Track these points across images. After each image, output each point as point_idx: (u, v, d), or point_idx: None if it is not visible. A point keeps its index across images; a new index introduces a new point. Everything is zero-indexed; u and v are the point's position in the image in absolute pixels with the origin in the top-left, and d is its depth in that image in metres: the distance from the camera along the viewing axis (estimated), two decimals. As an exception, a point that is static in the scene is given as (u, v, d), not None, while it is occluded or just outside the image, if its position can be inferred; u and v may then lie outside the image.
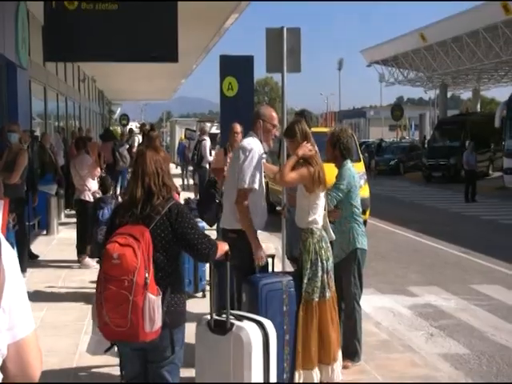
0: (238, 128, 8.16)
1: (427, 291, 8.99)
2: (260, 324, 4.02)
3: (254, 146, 5.07)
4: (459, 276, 10.04)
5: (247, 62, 11.61)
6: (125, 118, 43.49)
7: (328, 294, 5.02)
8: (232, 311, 4.09)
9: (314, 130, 6.42)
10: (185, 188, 21.01)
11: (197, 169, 16.71)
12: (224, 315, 4.03)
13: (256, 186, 5.01)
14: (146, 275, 3.26)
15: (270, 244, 10.45)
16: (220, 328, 3.97)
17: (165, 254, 3.49)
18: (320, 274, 4.99)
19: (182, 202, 11.92)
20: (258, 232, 5.19)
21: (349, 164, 5.68)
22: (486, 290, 9.09)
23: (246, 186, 4.95)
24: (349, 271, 5.64)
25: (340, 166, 5.70)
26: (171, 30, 9.55)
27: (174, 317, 3.49)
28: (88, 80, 26.68)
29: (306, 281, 4.96)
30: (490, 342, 6.93)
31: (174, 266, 3.57)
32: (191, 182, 21.00)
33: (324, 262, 5.02)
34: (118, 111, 54.22)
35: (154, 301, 3.29)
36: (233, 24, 14.73)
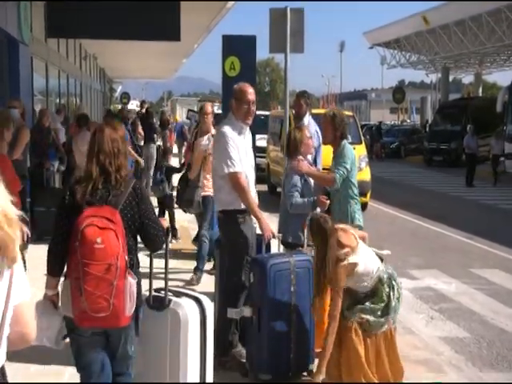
0: (209, 109, 8.02)
1: (428, 274, 8.98)
2: (197, 300, 4.03)
3: (227, 131, 5.06)
4: (459, 260, 10.03)
5: (250, 41, 11.51)
6: (126, 97, 43.29)
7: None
8: (171, 288, 4.07)
9: (317, 111, 6.42)
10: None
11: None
12: (162, 292, 4.03)
13: (238, 168, 5.00)
14: (126, 258, 3.25)
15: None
16: (158, 304, 3.98)
17: (131, 235, 3.45)
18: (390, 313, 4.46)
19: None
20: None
21: (347, 143, 5.84)
22: (486, 274, 9.08)
23: (233, 169, 4.97)
24: None
25: (338, 146, 5.77)
26: (174, 9, 9.46)
27: (138, 298, 3.46)
28: (90, 57, 26.50)
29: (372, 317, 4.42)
30: (490, 325, 6.93)
31: (136, 247, 3.54)
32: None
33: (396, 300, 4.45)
34: (119, 89, 53.95)
35: (134, 284, 3.29)
36: (235, 4, 14.59)
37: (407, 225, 13.47)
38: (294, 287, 4.84)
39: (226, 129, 5.07)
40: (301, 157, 5.72)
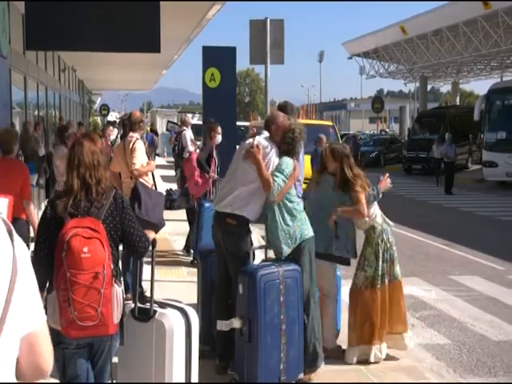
0: (137, 115, 7.96)
1: (408, 282, 9.01)
2: (182, 311, 4.05)
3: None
4: (440, 267, 10.13)
5: (230, 53, 11.61)
6: (105, 108, 43.19)
7: (387, 280, 5.69)
8: (156, 299, 4.09)
9: (310, 122, 6.36)
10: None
11: (178, 160, 16.62)
12: (148, 303, 4.05)
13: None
14: (112, 266, 3.30)
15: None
16: (143, 315, 3.99)
17: (113, 245, 3.49)
18: (381, 263, 5.66)
19: (164, 192, 11.91)
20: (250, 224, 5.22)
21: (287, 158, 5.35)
22: (466, 281, 9.19)
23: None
24: (300, 266, 5.14)
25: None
26: (153, 21, 9.48)
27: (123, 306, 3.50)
28: (68, 69, 26.42)
29: (371, 271, 5.66)
30: (470, 332, 7.01)
31: (118, 257, 3.59)
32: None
33: (385, 252, 5.69)
34: (99, 101, 53.79)
35: (120, 292, 3.34)
36: (215, 15, 14.66)
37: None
38: (283, 297, 4.87)
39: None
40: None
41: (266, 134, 5.31)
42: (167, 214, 11.15)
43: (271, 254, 5.43)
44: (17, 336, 1.62)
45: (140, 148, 7.25)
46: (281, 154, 5.22)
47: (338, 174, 5.72)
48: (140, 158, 7.18)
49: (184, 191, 10.07)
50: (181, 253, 9.99)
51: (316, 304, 5.31)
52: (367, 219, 5.75)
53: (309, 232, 5.24)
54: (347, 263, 5.89)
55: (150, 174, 7.28)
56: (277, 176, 5.05)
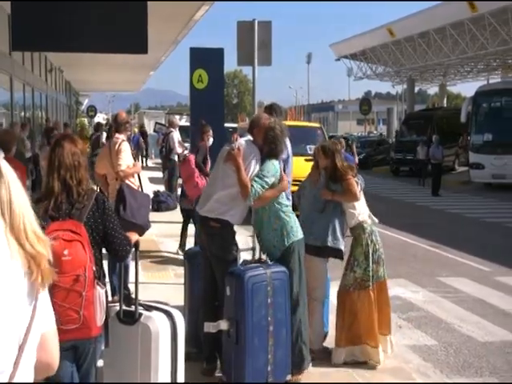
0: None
1: (395, 284, 9.06)
2: (168, 314, 4.05)
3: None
4: (427, 269, 10.17)
5: (217, 54, 11.58)
6: (92, 110, 43.01)
7: (376, 281, 5.73)
8: (141, 302, 4.08)
9: (298, 124, 6.33)
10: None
11: (166, 161, 16.60)
12: (133, 306, 4.04)
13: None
14: (94, 268, 3.29)
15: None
16: (128, 318, 3.98)
17: (96, 247, 3.48)
18: (371, 263, 5.68)
19: (151, 194, 11.88)
20: (235, 227, 5.20)
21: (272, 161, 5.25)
22: (453, 283, 9.23)
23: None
24: (290, 271, 5.11)
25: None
26: (141, 21, 9.46)
27: (107, 308, 3.50)
28: (55, 70, 26.30)
29: (361, 271, 5.68)
30: (457, 333, 7.04)
31: (101, 259, 3.59)
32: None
33: (374, 253, 5.72)
34: (86, 102, 53.59)
35: (103, 294, 3.34)
36: (202, 16, 14.64)
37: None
38: (271, 299, 4.87)
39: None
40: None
41: (248, 137, 5.30)
42: (155, 216, 11.14)
43: (258, 255, 5.43)
44: (38, 332, 1.76)
45: (126, 149, 7.24)
46: (264, 157, 5.16)
47: (329, 167, 5.81)
48: (126, 159, 7.17)
49: (182, 192, 10.07)
50: (169, 254, 9.96)
51: (305, 307, 5.30)
52: (356, 213, 5.78)
53: (298, 234, 5.23)
54: (341, 257, 5.86)
55: (136, 175, 7.26)
56: (255, 181, 5.00)
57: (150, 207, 7.05)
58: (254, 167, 5.08)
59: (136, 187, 7.10)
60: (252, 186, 4.97)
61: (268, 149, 5.17)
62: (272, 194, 5.11)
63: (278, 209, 5.20)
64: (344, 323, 5.71)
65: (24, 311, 1.71)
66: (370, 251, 5.73)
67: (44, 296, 1.80)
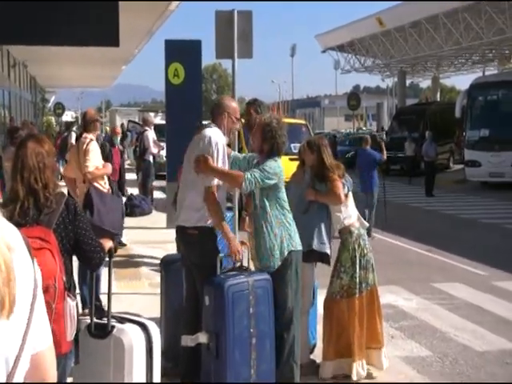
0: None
1: (387, 291, 9.09)
2: (143, 326, 4.04)
3: (219, 138, 5.04)
4: (420, 274, 10.24)
5: (194, 47, 11.59)
6: (60, 107, 42.73)
7: (365, 289, 5.73)
8: (114, 313, 4.07)
9: (286, 120, 6.26)
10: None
11: (140, 162, 16.54)
12: (105, 318, 4.03)
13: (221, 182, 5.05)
14: (65, 279, 3.27)
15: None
16: (100, 331, 3.97)
17: (66, 255, 3.47)
18: (358, 270, 5.68)
19: (124, 198, 11.84)
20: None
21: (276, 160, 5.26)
22: (448, 289, 9.29)
23: (215, 183, 4.97)
24: (286, 282, 5.17)
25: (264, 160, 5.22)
26: (112, 12, 9.42)
27: (77, 321, 3.47)
28: (19, 65, 26.12)
29: (347, 278, 5.67)
30: (453, 342, 7.08)
31: (72, 268, 3.57)
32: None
33: (362, 258, 5.72)
34: (53, 99, 53.27)
35: (74, 306, 3.31)
36: (178, 5, 14.63)
37: (365, 239, 13.63)
38: (253, 309, 4.86)
39: (219, 138, 5.09)
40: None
41: (212, 128, 5.18)
42: (128, 221, 11.11)
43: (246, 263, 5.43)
44: (29, 354, 1.72)
45: (94, 149, 7.23)
46: (266, 156, 5.19)
47: (315, 164, 5.83)
48: (94, 160, 7.15)
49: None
50: (143, 262, 9.93)
51: (299, 323, 5.27)
52: (342, 216, 5.80)
53: (297, 245, 5.24)
54: (328, 261, 5.90)
55: (106, 177, 7.25)
56: (255, 171, 5.02)
57: (123, 211, 7.01)
58: (223, 152, 5.02)
59: (106, 190, 7.09)
60: (250, 174, 4.97)
61: (269, 146, 5.21)
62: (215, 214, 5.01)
63: (280, 213, 5.20)
64: (332, 334, 5.72)
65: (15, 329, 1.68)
66: (358, 256, 5.72)
67: (41, 309, 1.78)
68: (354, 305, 5.66)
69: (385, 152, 14.19)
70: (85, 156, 7.13)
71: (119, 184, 11.36)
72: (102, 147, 12.02)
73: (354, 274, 5.69)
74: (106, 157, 11.24)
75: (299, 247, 5.26)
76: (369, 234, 13.73)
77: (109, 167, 7.43)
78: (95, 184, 6.93)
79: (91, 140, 7.29)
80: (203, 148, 5.00)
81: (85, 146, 7.18)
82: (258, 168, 5.09)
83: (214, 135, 5.05)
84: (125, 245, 10.89)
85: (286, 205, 5.27)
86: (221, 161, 5.00)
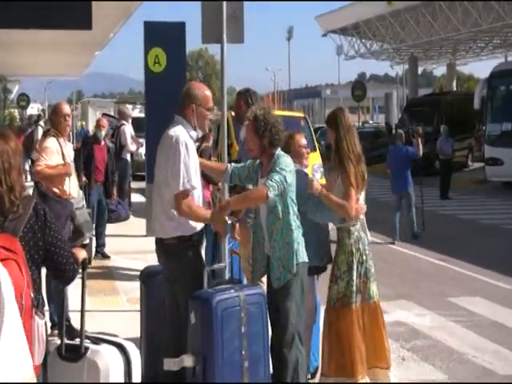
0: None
1: (397, 306, 9.14)
2: (121, 347, 4.05)
3: (182, 137, 5.03)
4: (434, 287, 10.26)
5: (178, 30, 11.57)
6: (24, 99, 42.71)
7: (367, 302, 5.69)
8: (88, 333, 4.08)
9: (277, 113, 6.24)
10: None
11: (116, 161, 16.53)
12: (77, 339, 4.03)
13: (194, 183, 5.03)
14: (33, 295, 3.25)
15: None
16: (72, 354, 3.97)
17: (34, 268, 3.46)
18: (355, 277, 5.64)
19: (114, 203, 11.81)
20: None
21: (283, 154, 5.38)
22: (466, 304, 9.31)
23: (181, 187, 4.96)
24: (290, 296, 5.18)
25: (270, 159, 5.29)
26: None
27: (46, 342, 3.46)
28: (-23, 51, 26.07)
29: (343, 284, 5.61)
30: (472, 365, 7.09)
31: (41, 282, 3.56)
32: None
33: (360, 265, 5.69)
34: (16, 90, 53.15)
35: (42, 325, 3.29)
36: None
37: (372, 247, 13.63)
38: (245, 328, 4.85)
39: (183, 137, 5.09)
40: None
41: (179, 127, 5.16)
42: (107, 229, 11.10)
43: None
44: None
45: (50, 146, 7.26)
46: (271, 154, 5.25)
47: (333, 142, 5.84)
48: (48, 157, 7.19)
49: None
50: (120, 275, 9.94)
51: (302, 344, 5.25)
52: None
53: (304, 256, 5.27)
54: (323, 270, 5.97)
55: (72, 180, 7.28)
56: (273, 175, 5.04)
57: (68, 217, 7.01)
58: (185, 153, 4.98)
59: (67, 195, 7.13)
60: (270, 179, 5.01)
61: (268, 139, 5.25)
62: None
63: (292, 219, 5.22)
64: (333, 347, 5.66)
65: None
66: (355, 262, 5.68)
67: (17, 336, 1.76)
68: (352, 316, 5.60)
69: (421, 147, 14.34)
70: (39, 152, 7.25)
71: (105, 186, 11.26)
72: (84, 144, 12.06)
73: (350, 282, 5.62)
74: (87, 156, 11.25)
75: (306, 259, 5.29)
76: (415, 237, 13.95)
77: (68, 168, 7.39)
78: (54, 189, 7.01)
79: (49, 135, 7.37)
80: (167, 153, 5.02)
81: (42, 142, 7.35)
82: (275, 170, 5.10)
83: (176, 133, 5.06)
84: (108, 257, 10.90)
85: (296, 208, 5.30)
86: (188, 163, 5.00)
